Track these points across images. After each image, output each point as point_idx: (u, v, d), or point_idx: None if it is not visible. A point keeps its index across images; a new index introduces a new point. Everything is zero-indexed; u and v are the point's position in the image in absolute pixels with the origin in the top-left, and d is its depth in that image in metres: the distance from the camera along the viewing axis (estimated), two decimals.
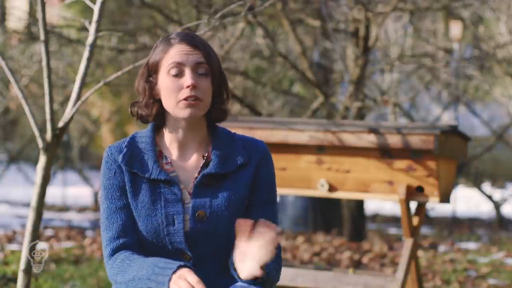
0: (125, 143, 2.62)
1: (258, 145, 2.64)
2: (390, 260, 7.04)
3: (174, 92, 2.53)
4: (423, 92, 10.39)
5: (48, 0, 3.68)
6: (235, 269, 2.43)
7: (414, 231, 4.49)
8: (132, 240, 2.57)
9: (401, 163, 4.44)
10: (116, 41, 7.48)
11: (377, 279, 4.52)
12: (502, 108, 10.83)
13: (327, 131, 4.53)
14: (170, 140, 2.62)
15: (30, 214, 3.60)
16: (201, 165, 2.59)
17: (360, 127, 4.50)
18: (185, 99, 2.52)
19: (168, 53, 2.55)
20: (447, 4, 7.03)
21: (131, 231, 2.57)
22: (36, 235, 3.58)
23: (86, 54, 3.65)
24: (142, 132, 2.65)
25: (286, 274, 4.55)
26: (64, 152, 11.84)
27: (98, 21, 3.64)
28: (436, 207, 10.96)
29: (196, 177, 2.58)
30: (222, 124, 2.71)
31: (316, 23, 7.71)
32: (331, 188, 4.58)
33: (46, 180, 3.62)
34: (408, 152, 4.42)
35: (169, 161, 2.60)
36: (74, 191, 12.14)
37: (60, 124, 3.65)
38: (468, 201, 12.07)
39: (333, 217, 8.86)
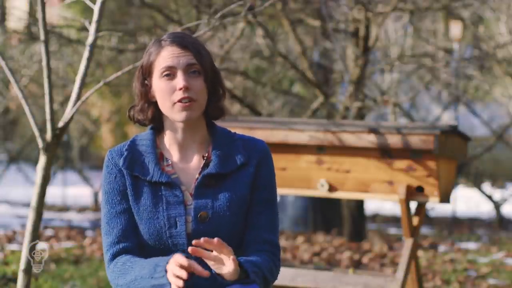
0: (126, 147, 2.62)
1: (258, 144, 2.64)
2: (390, 260, 7.04)
3: (167, 94, 2.54)
4: (423, 92, 10.39)
5: (48, 0, 3.68)
6: (221, 277, 2.43)
7: (414, 231, 4.49)
8: (133, 244, 2.57)
9: (401, 163, 4.44)
10: (116, 41, 7.48)
11: (377, 279, 4.52)
12: (502, 108, 10.83)
13: (327, 131, 4.53)
14: (170, 142, 2.62)
15: (30, 214, 3.60)
16: (201, 165, 2.59)
17: (360, 127, 4.50)
18: (179, 101, 2.53)
19: (159, 56, 2.56)
20: (447, 4, 7.03)
21: (132, 236, 2.57)
22: (36, 235, 3.58)
23: (86, 54, 3.65)
24: (142, 134, 2.65)
25: (286, 274, 4.55)
26: (64, 152, 11.83)
27: (98, 21, 3.64)
28: (436, 207, 10.96)
29: (197, 178, 2.58)
30: (222, 124, 2.71)
31: (316, 23, 7.71)
32: (331, 188, 4.58)
33: (46, 180, 3.62)
34: (408, 152, 4.42)
35: (170, 163, 2.60)
36: (74, 191, 12.14)
37: (60, 124, 3.65)
38: (468, 201, 12.07)
39: (333, 217, 8.86)
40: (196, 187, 2.56)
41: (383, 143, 4.43)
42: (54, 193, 11.33)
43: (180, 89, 2.52)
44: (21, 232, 8.08)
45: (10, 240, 7.69)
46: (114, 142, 14.22)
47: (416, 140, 4.36)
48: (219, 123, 2.69)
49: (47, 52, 3.63)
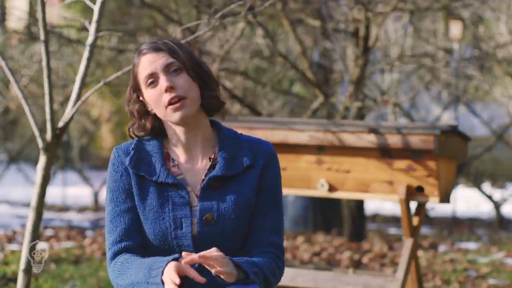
0: (133, 145, 2.61)
1: (265, 146, 2.63)
2: (390, 260, 7.04)
3: (158, 101, 2.54)
4: (423, 92, 10.39)
5: (48, 0, 3.68)
6: (220, 279, 2.43)
7: (414, 231, 4.49)
8: (135, 244, 2.56)
9: (401, 163, 4.44)
10: (116, 41, 7.48)
11: (377, 279, 4.52)
12: (502, 108, 10.83)
13: (327, 131, 4.53)
14: (175, 143, 2.61)
15: (30, 214, 3.60)
16: (207, 167, 2.59)
17: (360, 127, 4.50)
18: (169, 103, 2.52)
19: (139, 67, 2.57)
20: (447, 4, 7.03)
21: (134, 235, 2.57)
22: (36, 235, 3.58)
23: (86, 54, 3.65)
24: None
25: (286, 274, 4.54)
26: (64, 152, 11.83)
27: (98, 21, 3.64)
28: (436, 207, 10.96)
29: (203, 180, 2.58)
30: (222, 124, 2.70)
31: (316, 23, 7.71)
32: (331, 188, 4.58)
33: (46, 180, 3.62)
34: (408, 152, 4.42)
35: (176, 163, 2.60)
36: (74, 191, 12.14)
37: (60, 124, 3.65)
38: (468, 201, 12.07)
39: (333, 217, 8.86)
40: (201, 189, 2.56)
41: (383, 143, 4.43)
42: (54, 193, 11.33)
43: (165, 91, 2.52)
44: (21, 232, 8.08)
45: (10, 240, 7.69)
46: (114, 142, 14.23)
47: (416, 140, 4.36)
48: (216, 112, 2.68)
49: (47, 52, 3.63)
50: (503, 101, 9.68)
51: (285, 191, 4.67)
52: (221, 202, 2.55)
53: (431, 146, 4.32)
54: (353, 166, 4.53)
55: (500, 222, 10.33)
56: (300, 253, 7.31)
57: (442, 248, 8.09)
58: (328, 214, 8.94)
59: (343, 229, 8.25)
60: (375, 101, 7.43)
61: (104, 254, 6.85)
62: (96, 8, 3.65)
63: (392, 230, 9.48)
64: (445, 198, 4.49)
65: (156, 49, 2.56)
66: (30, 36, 7.55)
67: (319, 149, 4.59)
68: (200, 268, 2.43)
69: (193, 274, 2.36)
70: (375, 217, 10.66)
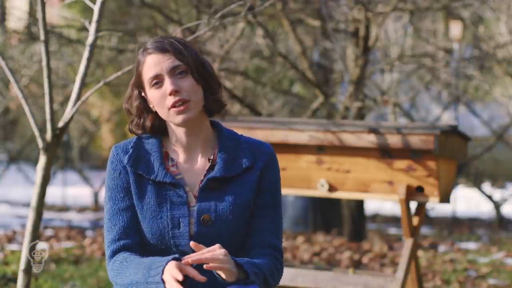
0: (132, 144, 2.61)
1: (264, 148, 2.63)
2: (390, 260, 7.04)
3: (161, 102, 2.54)
4: (423, 92, 10.39)
5: (48, 0, 3.68)
6: (221, 278, 2.43)
7: (414, 231, 4.49)
8: (133, 242, 2.56)
9: (401, 163, 4.44)
10: (116, 41, 7.48)
11: (377, 279, 4.52)
12: (502, 108, 10.83)
13: (327, 131, 4.54)
14: (175, 142, 2.61)
15: (30, 214, 3.60)
16: (206, 168, 2.59)
17: (360, 127, 4.50)
18: (173, 106, 2.52)
19: (144, 67, 2.57)
20: (447, 4, 7.03)
21: (133, 233, 2.57)
22: (36, 235, 3.58)
23: (86, 54, 3.65)
24: None
25: (286, 274, 4.54)
26: (64, 152, 11.83)
27: (98, 21, 3.64)
28: (436, 207, 10.96)
29: (202, 180, 2.57)
30: (222, 124, 2.70)
31: (316, 23, 7.71)
32: (331, 188, 4.58)
33: (46, 180, 3.62)
34: (408, 152, 4.42)
35: (175, 163, 2.60)
36: (74, 191, 12.14)
37: (60, 124, 3.65)
38: (468, 201, 12.07)
39: (333, 217, 8.86)
40: (200, 190, 2.56)
41: (383, 143, 4.43)
42: (54, 193, 11.33)
43: (170, 94, 2.52)
44: (21, 232, 8.08)
45: (10, 240, 7.69)
46: (114, 142, 14.22)
47: (416, 140, 4.36)
48: (217, 114, 2.68)
49: (47, 52, 3.63)
50: (503, 101, 9.68)
51: (285, 191, 4.68)
52: (219, 203, 2.55)
53: (431, 146, 4.32)
54: (353, 166, 4.53)
55: (500, 222, 10.33)
56: (300, 253, 7.31)
57: (442, 248, 8.09)
58: (328, 214, 8.94)
59: (343, 229, 8.25)
60: (375, 101, 7.43)
61: (104, 254, 6.85)
62: (96, 8, 3.65)
63: (392, 230, 9.48)
64: (445, 198, 4.49)
65: (162, 49, 2.55)
66: (30, 36, 7.55)
67: (319, 149, 4.59)
68: (199, 267, 2.43)
69: (193, 273, 2.36)
70: (375, 217, 10.66)
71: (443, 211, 11.05)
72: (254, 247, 2.57)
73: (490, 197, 10.44)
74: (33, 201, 3.61)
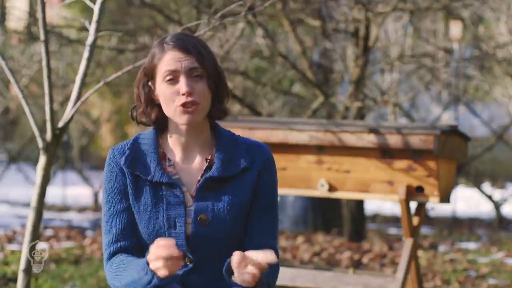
0: (128, 145, 2.61)
1: (262, 149, 2.63)
2: (390, 260, 7.04)
3: (171, 99, 2.53)
4: (423, 92, 10.39)
5: (48, 0, 3.68)
6: (229, 274, 2.42)
7: (414, 231, 4.49)
8: (131, 244, 2.56)
9: (401, 163, 4.44)
10: (116, 41, 7.48)
11: (377, 279, 4.52)
12: (502, 108, 10.83)
13: (327, 131, 4.54)
14: (173, 142, 2.61)
15: (30, 214, 3.60)
16: (204, 168, 2.59)
17: (360, 127, 4.50)
18: (182, 105, 2.52)
19: (162, 60, 2.54)
20: (447, 4, 7.03)
21: (130, 235, 2.57)
22: (36, 235, 3.58)
23: (86, 54, 3.65)
24: (145, 133, 2.63)
25: (286, 274, 4.55)
26: (64, 152, 11.83)
27: (98, 21, 3.64)
28: (436, 207, 10.96)
29: (199, 180, 2.57)
30: (222, 124, 2.70)
31: (316, 23, 7.71)
32: (331, 188, 4.58)
33: (46, 180, 3.62)
34: (408, 152, 4.42)
35: (172, 163, 2.59)
36: (74, 191, 12.14)
37: (60, 124, 3.65)
38: (468, 201, 12.07)
39: (333, 217, 8.86)
40: (197, 190, 2.56)
41: (383, 143, 4.43)
42: (54, 193, 11.33)
43: (183, 94, 2.51)
44: (21, 232, 8.08)
45: (10, 240, 7.69)
46: (114, 142, 14.23)
47: (416, 140, 4.36)
48: (221, 124, 2.69)
49: (47, 52, 3.63)
50: (503, 101, 9.68)
51: (285, 191, 4.68)
52: (216, 203, 2.55)
53: (431, 146, 4.32)
54: (353, 166, 4.53)
55: (500, 222, 10.32)
56: (300, 253, 7.31)
57: (442, 248, 8.09)
58: (328, 214, 8.94)
59: (343, 229, 8.25)
60: (375, 101, 7.43)
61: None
62: (96, 8, 3.65)
63: (392, 230, 9.48)
64: (445, 198, 4.49)
65: (184, 49, 2.53)
66: (30, 36, 7.55)
67: (319, 149, 4.59)
68: (199, 267, 2.42)
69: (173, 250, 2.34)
70: (375, 217, 10.66)
71: (443, 211, 11.05)
72: (251, 248, 2.56)
73: (490, 197, 10.44)
74: (33, 201, 3.61)
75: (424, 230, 9.51)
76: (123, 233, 2.56)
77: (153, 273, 2.36)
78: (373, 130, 4.46)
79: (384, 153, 4.47)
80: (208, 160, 2.59)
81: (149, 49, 2.67)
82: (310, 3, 7.66)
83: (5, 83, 9.30)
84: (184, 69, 2.53)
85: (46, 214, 9.64)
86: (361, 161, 4.52)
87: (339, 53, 7.40)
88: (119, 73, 3.76)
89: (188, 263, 2.53)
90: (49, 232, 8.28)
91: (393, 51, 8.21)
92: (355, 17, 6.88)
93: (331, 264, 6.90)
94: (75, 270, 6.25)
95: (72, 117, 3.65)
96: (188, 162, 2.60)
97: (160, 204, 2.55)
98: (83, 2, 3.78)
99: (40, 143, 3.62)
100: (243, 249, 2.56)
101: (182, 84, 2.52)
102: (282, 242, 7.97)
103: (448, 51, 9.09)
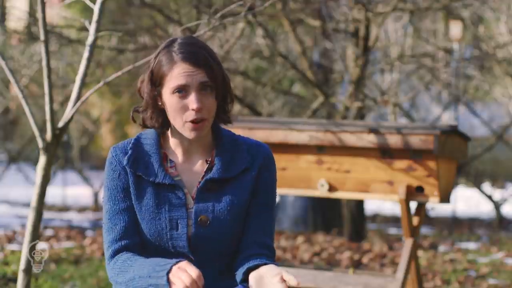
0: (130, 145, 2.60)
1: (262, 149, 2.63)
2: (390, 260, 7.04)
3: (179, 112, 2.51)
4: (423, 92, 10.39)
5: (48, 0, 3.68)
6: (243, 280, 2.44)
7: (414, 231, 4.49)
8: (134, 242, 2.56)
9: (401, 163, 4.44)
10: (116, 41, 7.48)
11: (377, 279, 4.52)
12: (502, 108, 10.83)
13: (327, 131, 4.54)
14: (175, 144, 2.60)
15: (30, 214, 3.60)
16: (204, 169, 2.59)
17: (360, 127, 4.51)
18: (192, 121, 2.51)
19: (172, 71, 2.50)
20: (447, 4, 7.03)
21: (134, 233, 2.56)
22: (36, 235, 3.58)
23: (86, 54, 3.65)
24: (147, 133, 2.62)
25: None
26: (64, 152, 11.83)
27: (98, 21, 3.64)
28: (436, 207, 10.96)
29: (200, 182, 2.57)
30: (223, 125, 2.70)
31: (316, 23, 7.71)
32: (331, 188, 4.58)
33: (46, 180, 3.62)
34: (408, 152, 4.42)
35: (174, 164, 2.59)
36: (74, 191, 12.14)
37: (60, 124, 3.65)
38: (468, 201, 12.07)
39: (333, 217, 8.86)
40: (198, 191, 2.56)
41: (383, 143, 4.43)
42: (54, 193, 11.33)
43: (193, 109, 2.50)
44: (21, 232, 8.08)
45: (10, 240, 7.69)
46: (114, 142, 14.22)
47: (416, 140, 4.36)
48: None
49: (47, 52, 3.63)
50: (503, 101, 9.68)
51: (285, 191, 4.68)
52: (216, 204, 2.55)
53: (431, 146, 4.32)
54: (353, 166, 4.53)
55: (500, 222, 10.33)
56: (300, 253, 7.31)
57: (442, 248, 8.09)
58: (328, 214, 8.94)
59: (343, 229, 8.25)
60: (375, 101, 7.43)
61: (104, 254, 6.85)
62: (96, 8, 3.65)
63: (392, 230, 9.48)
64: (445, 198, 4.49)
65: (196, 63, 2.50)
66: (30, 36, 7.55)
67: (319, 149, 4.59)
68: (200, 267, 2.43)
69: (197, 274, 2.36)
70: (375, 217, 10.66)
71: (443, 211, 11.05)
72: (249, 246, 2.57)
73: (490, 197, 10.44)
74: (33, 201, 3.61)
75: (424, 230, 9.51)
76: (126, 231, 2.56)
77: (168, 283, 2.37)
78: (373, 130, 4.46)
79: (384, 153, 4.47)
80: (208, 162, 2.59)
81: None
82: (310, 3, 7.66)
83: (5, 83, 9.30)
84: (196, 83, 2.50)
85: (46, 214, 9.64)
86: (361, 161, 4.52)
87: (339, 53, 7.40)
88: (119, 73, 3.76)
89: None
90: (49, 232, 8.28)
91: (393, 51, 8.21)
92: (355, 17, 6.88)
93: (331, 264, 6.90)
94: (75, 270, 6.25)
95: (72, 117, 3.65)
96: (189, 163, 2.60)
97: (162, 205, 2.55)
98: (83, 2, 3.78)
99: (40, 143, 3.62)
100: (241, 247, 2.57)
101: (193, 100, 2.50)
102: (282, 242, 7.97)
103: (448, 51, 9.09)
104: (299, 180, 4.63)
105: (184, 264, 2.38)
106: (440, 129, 4.34)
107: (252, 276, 2.46)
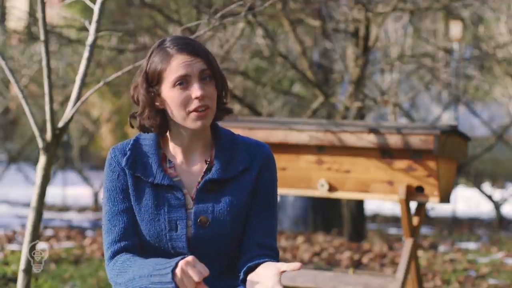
0: (129, 146, 2.59)
1: (262, 149, 2.62)
2: (390, 260, 7.04)
3: (182, 104, 2.50)
4: (423, 92, 10.39)
5: (48, 0, 3.68)
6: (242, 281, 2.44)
7: (414, 231, 4.49)
8: (134, 243, 2.56)
9: (401, 163, 4.44)
10: (116, 41, 7.48)
11: (377, 279, 4.52)
12: (502, 108, 10.83)
13: (327, 131, 4.54)
14: (174, 145, 2.59)
15: (30, 214, 3.60)
16: (204, 170, 2.58)
17: (360, 127, 4.51)
18: (195, 110, 2.50)
19: (169, 64, 2.50)
20: (447, 4, 7.03)
21: (133, 234, 2.56)
22: (36, 235, 3.58)
23: (86, 54, 3.65)
24: (146, 134, 2.61)
25: (286, 274, 4.54)
26: (64, 152, 11.83)
27: (98, 21, 3.65)
28: (436, 207, 10.96)
29: (199, 183, 2.57)
30: (222, 124, 2.70)
31: (316, 23, 7.71)
32: (331, 188, 4.58)
33: (46, 180, 3.62)
34: (408, 152, 4.42)
35: (173, 165, 2.59)
36: (74, 191, 12.14)
37: (60, 124, 3.66)
38: (468, 201, 12.07)
39: (333, 217, 8.86)
40: (197, 192, 2.55)
41: (383, 143, 4.43)
42: (54, 193, 11.33)
43: (196, 98, 2.49)
44: (21, 232, 8.08)
45: (10, 240, 7.69)
46: (114, 142, 14.22)
47: (416, 140, 4.36)
48: (221, 123, 2.68)
49: (47, 52, 3.63)
50: (503, 101, 9.68)
51: (285, 191, 4.68)
52: (216, 204, 2.54)
53: (431, 146, 4.33)
54: (353, 166, 4.53)
55: (500, 222, 10.33)
56: (300, 253, 7.31)
57: (442, 248, 8.09)
58: (328, 214, 8.94)
59: (343, 229, 8.25)
60: (375, 101, 7.44)
61: (104, 254, 6.85)
62: (96, 8, 3.65)
63: (392, 230, 9.48)
64: (445, 198, 4.49)
65: (193, 51, 2.51)
66: (30, 36, 7.55)
67: (319, 149, 4.59)
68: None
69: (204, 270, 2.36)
70: (375, 217, 10.66)
71: (443, 211, 11.05)
72: (252, 247, 2.56)
73: (490, 197, 10.44)
74: (33, 201, 3.61)
75: (424, 230, 9.51)
76: (126, 232, 2.55)
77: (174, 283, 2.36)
78: (373, 130, 4.46)
79: (384, 153, 4.47)
80: (207, 162, 2.59)
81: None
82: (310, 3, 7.66)
83: (5, 83, 9.30)
84: (196, 72, 2.50)
85: (46, 214, 9.64)
86: (361, 161, 4.52)
87: (339, 53, 7.40)
88: (119, 73, 3.76)
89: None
90: (49, 232, 8.28)
91: (393, 51, 8.21)
92: (355, 17, 6.88)
93: (331, 264, 6.90)
94: (75, 270, 6.25)
95: (72, 117, 3.65)
96: (189, 164, 2.59)
97: (161, 206, 2.55)
98: (83, 2, 3.78)
99: (40, 143, 3.62)
100: (244, 248, 2.56)
101: (196, 88, 2.49)
102: (282, 242, 7.97)
103: (448, 51, 9.09)
104: (299, 180, 4.63)
105: (191, 259, 2.36)
106: (440, 129, 4.35)
107: (249, 276, 2.45)
